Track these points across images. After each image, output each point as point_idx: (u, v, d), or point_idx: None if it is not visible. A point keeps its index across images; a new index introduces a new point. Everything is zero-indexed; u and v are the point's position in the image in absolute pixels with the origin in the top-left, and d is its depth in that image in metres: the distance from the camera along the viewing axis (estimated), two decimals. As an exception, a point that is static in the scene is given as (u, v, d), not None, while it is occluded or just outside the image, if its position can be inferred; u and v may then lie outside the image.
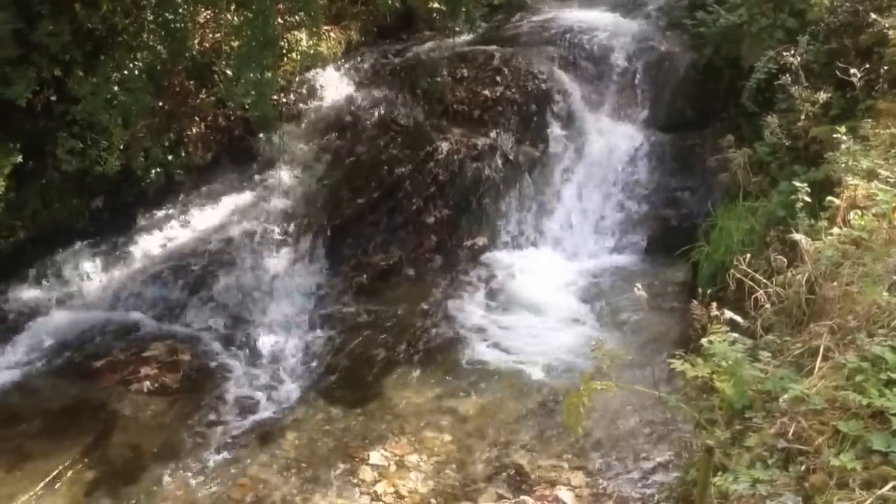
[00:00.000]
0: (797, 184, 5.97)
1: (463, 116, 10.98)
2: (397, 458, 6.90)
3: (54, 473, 6.83)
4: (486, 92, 11.09)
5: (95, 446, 7.19)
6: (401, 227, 10.04)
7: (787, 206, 6.43)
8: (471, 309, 9.01)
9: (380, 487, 6.59)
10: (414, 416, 7.43)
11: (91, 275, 9.18)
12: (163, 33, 9.35)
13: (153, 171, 9.58)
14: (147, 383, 7.85)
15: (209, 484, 6.78)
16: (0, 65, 8.03)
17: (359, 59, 12.25)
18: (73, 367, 8.15)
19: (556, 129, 10.83)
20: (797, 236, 5.44)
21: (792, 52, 7.90)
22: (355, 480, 6.69)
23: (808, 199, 5.81)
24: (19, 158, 8.46)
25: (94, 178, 9.11)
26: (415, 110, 11.12)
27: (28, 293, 8.84)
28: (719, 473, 3.75)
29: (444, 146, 10.45)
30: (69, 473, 6.85)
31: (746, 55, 9.38)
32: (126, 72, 8.99)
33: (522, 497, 6.31)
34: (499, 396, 7.67)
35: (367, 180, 10.26)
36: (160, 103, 9.67)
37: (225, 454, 7.12)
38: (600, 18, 12.36)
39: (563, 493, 6.34)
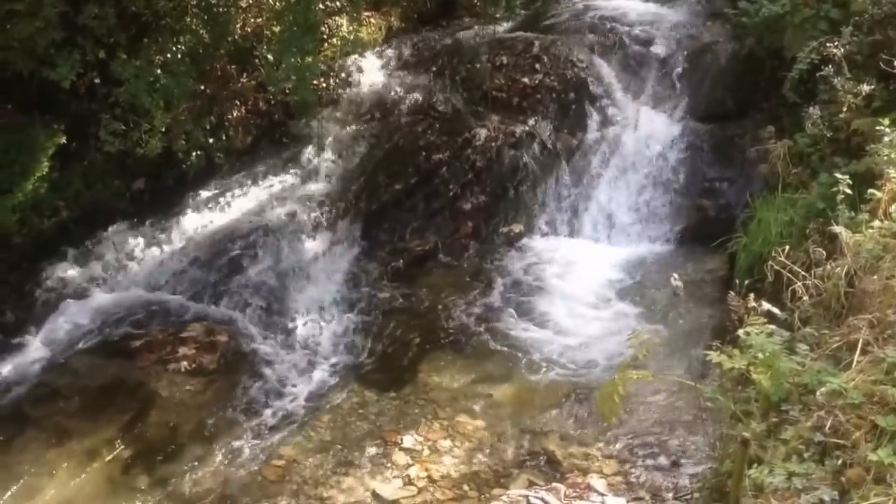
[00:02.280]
0: (838, 176, 5.94)
1: (501, 103, 10.96)
2: (430, 442, 6.95)
3: (92, 451, 6.95)
4: (525, 79, 11.05)
5: (133, 425, 7.30)
6: (437, 213, 10.06)
7: (828, 198, 6.39)
8: (506, 295, 9.02)
9: (413, 471, 6.64)
10: (447, 401, 7.47)
11: (131, 255, 9.27)
12: (206, 17, 9.44)
13: (194, 153, 9.68)
14: (184, 363, 7.94)
15: (244, 464, 6.87)
16: (46, 47, 8.14)
17: (399, 45, 12.29)
18: (112, 346, 8.25)
19: (594, 118, 10.79)
20: (837, 229, 5.40)
21: (835, 43, 7.81)
22: (388, 464, 6.75)
23: (848, 191, 5.78)
24: (63, 139, 8.61)
25: (136, 159, 9.23)
26: (453, 97, 11.11)
27: (69, 272, 8.92)
28: (754, 465, 3.75)
29: (482, 133, 10.44)
30: (107, 451, 6.96)
31: (789, 46, 9.27)
32: (169, 55, 9.09)
33: (554, 484, 6.31)
34: (532, 383, 7.71)
35: (404, 166, 10.28)
36: (202, 87, 9.77)
37: (260, 435, 7.20)
38: (641, 7, 12.27)
39: (594, 480, 6.33)
